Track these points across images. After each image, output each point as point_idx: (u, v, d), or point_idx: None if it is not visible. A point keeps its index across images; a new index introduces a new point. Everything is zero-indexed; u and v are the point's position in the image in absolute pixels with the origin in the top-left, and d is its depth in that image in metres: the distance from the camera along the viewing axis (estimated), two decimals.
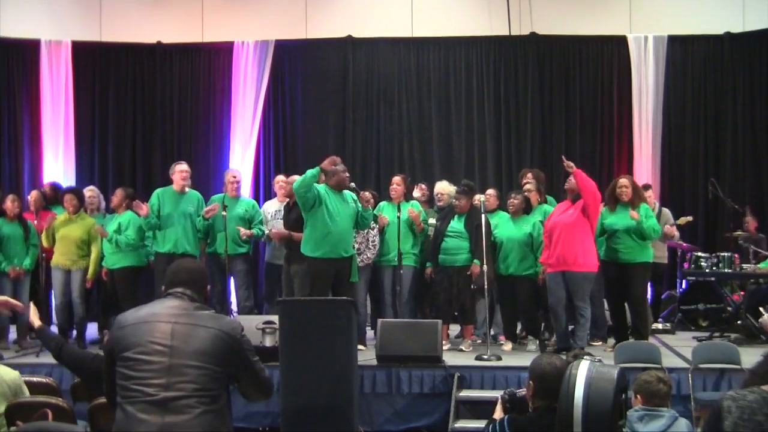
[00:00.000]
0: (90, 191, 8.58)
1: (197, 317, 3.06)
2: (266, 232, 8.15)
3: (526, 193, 7.67)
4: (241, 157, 10.74)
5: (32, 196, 8.39)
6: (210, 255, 8.12)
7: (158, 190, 7.97)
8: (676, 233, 8.59)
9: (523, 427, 3.30)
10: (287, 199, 7.92)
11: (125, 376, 2.96)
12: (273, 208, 8.44)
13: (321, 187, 6.85)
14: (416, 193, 8.35)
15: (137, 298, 7.83)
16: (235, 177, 8.33)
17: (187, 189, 7.88)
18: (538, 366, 3.34)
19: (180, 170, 7.85)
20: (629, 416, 3.82)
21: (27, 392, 4.34)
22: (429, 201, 8.42)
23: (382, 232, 7.75)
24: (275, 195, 8.77)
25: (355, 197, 7.05)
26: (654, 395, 3.92)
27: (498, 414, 3.49)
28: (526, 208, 7.59)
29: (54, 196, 8.53)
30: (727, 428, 2.82)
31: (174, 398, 2.88)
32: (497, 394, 6.00)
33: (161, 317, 3.04)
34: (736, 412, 2.85)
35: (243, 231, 7.97)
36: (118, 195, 7.99)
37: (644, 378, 4.06)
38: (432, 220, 7.94)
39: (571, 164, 6.91)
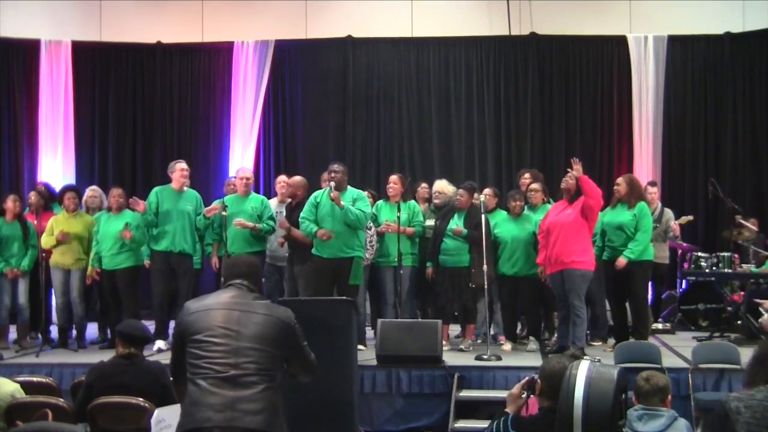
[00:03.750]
0: (92, 191, 8.52)
1: (256, 306, 3.41)
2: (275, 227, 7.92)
3: (532, 193, 7.64)
4: (241, 156, 10.74)
5: (31, 196, 8.33)
6: (220, 258, 8.00)
7: (157, 188, 7.89)
8: (678, 232, 8.61)
9: (526, 426, 3.30)
10: (288, 200, 7.90)
11: (196, 355, 3.30)
12: (273, 208, 8.38)
13: (323, 192, 7.21)
14: (420, 190, 8.32)
15: (139, 298, 7.83)
16: (249, 179, 8.17)
17: (185, 188, 7.85)
18: (547, 366, 3.37)
19: (180, 168, 7.79)
20: (629, 415, 3.82)
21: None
22: (430, 199, 8.37)
23: (381, 233, 7.74)
24: (275, 194, 8.72)
25: (356, 196, 7.14)
26: (640, 394, 3.93)
27: (516, 390, 3.48)
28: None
29: (50, 196, 8.49)
30: (740, 429, 2.79)
31: (241, 375, 3.24)
32: (497, 394, 6.07)
33: (225, 305, 3.38)
34: (746, 413, 2.81)
35: (239, 221, 7.64)
36: (119, 195, 7.89)
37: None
38: (429, 221, 7.91)
39: (579, 168, 6.84)
